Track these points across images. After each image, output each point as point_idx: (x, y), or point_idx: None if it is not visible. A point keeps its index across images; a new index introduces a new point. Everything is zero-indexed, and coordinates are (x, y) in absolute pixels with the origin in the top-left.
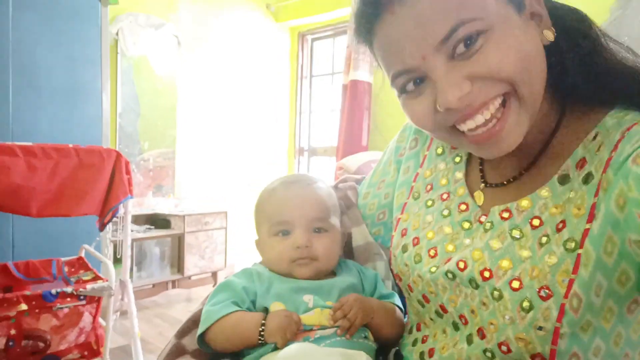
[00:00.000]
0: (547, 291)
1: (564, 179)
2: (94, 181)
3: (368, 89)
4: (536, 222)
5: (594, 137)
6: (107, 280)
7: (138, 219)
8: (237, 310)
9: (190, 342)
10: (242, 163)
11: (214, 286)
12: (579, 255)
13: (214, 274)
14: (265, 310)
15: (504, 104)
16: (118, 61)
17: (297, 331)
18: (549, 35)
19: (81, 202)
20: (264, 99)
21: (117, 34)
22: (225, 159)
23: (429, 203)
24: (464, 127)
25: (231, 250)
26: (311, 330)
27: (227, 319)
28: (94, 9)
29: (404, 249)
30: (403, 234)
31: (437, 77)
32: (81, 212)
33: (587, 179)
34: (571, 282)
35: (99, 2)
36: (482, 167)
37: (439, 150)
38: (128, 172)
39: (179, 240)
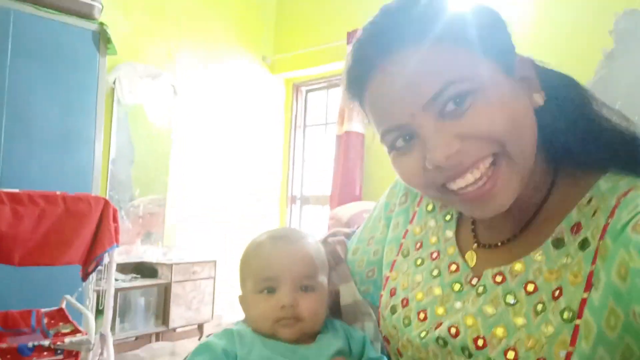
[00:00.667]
0: None
1: (559, 243)
2: (80, 229)
3: (361, 140)
4: (530, 287)
5: (589, 201)
6: (86, 334)
7: (125, 268)
8: None
9: None
10: (234, 211)
11: (199, 339)
12: (576, 326)
13: (200, 326)
14: None
15: (494, 163)
16: (114, 109)
17: None
18: (539, 99)
19: (66, 251)
20: (258, 148)
21: (114, 82)
22: (216, 207)
23: (419, 262)
24: (454, 186)
25: (219, 301)
26: None
27: None
28: (93, 58)
29: (393, 310)
30: (392, 294)
31: (426, 136)
32: (65, 261)
33: (583, 244)
34: (569, 354)
35: (97, 52)
36: (474, 226)
37: (429, 207)
38: (115, 220)
39: (165, 290)
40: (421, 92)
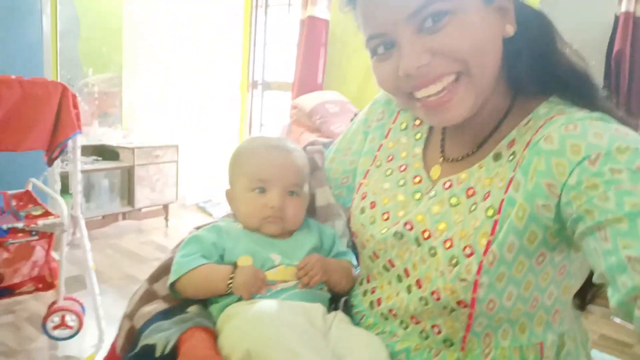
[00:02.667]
0: (469, 249)
1: (497, 157)
2: (39, 115)
3: (325, 27)
4: (470, 192)
5: (527, 122)
6: (58, 216)
7: (85, 150)
8: (206, 263)
9: (161, 288)
10: (194, 95)
11: (165, 218)
12: (496, 220)
13: (165, 207)
14: (234, 264)
15: (456, 80)
16: None
17: (261, 286)
18: (510, 30)
19: (27, 136)
20: (217, 28)
21: None
22: (175, 89)
23: (388, 172)
24: (418, 95)
25: (182, 182)
26: (274, 284)
27: (197, 270)
28: None
29: (362, 210)
30: (363, 197)
31: (403, 45)
32: (27, 146)
33: (511, 156)
34: (489, 242)
35: None
36: (443, 143)
37: (403, 126)
38: (76, 107)
39: (129, 173)
40: (406, 4)
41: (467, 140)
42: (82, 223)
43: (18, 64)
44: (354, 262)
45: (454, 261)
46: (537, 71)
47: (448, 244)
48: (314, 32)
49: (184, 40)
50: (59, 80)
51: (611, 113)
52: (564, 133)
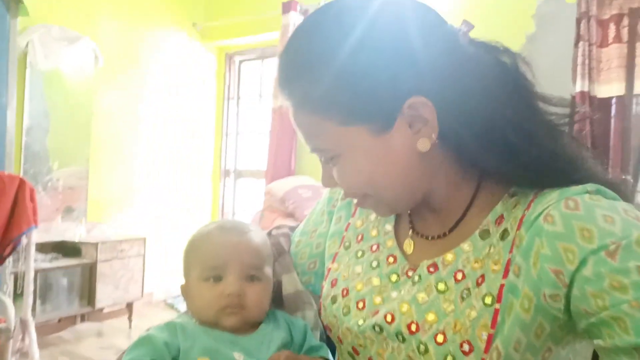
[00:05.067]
0: (468, 346)
1: (485, 234)
2: None
3: None
4: (459, 275)
5: (512, 195)
6: (4, 321)
7: (44, 247)
8: None
9: None
10: (164, 186)
11: (129, 318)
12: (496, 310)
13: (129, 305)
14: None
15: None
16: (27, 75)
17: None
18: (423, 145)
19: None
20: (189, 120)
21: (26, 46)
22: (144, 181)
23: (359, 254)
24: None
25: (149, 278)
26: None
27: None
28: (2, 19)
29: (333, 300)
30: (333, 284)
31: (322, 166)
32: None
33: (503, 235)
34: (490, 336)
35: (7, 13)
36: (412, 219)
37: None
38: (33, 200)
39: (90, 270)
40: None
41: (437, 220)
42: (32, 328)
43: None
44: (330, 357)
45: (448, 359)
46: (495, 160)
47: (440, 338)
48: (285, 120)
49: (153, 131)
50: (21, 175)
51: (601, 180)
52: (565, 211)
